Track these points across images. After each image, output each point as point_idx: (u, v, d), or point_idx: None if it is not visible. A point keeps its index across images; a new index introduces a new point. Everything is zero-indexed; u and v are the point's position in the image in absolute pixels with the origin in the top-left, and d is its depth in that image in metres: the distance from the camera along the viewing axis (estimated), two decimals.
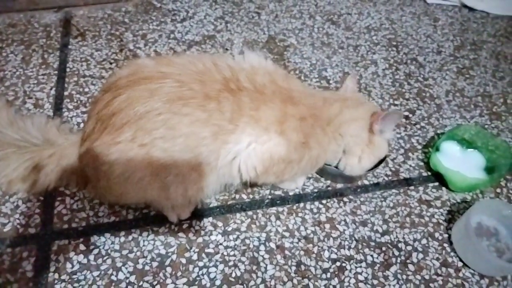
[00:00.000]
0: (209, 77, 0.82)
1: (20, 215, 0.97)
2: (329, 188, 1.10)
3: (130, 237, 0.96)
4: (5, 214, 0.97)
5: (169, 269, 0.92)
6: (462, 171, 1.07)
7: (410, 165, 1.17)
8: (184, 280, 0.91)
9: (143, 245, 0.95)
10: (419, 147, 1.22)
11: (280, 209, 1.04)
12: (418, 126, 1.27)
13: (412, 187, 1.12)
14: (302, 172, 0.97)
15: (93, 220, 0.98)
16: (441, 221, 1.05)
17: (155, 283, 0.90)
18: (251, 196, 1.06)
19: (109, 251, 0.94)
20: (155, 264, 0.92)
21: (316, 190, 1.09)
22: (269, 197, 1.06)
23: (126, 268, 0.91)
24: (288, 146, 0.86)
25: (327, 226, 1.02)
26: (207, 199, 1.02)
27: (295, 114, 0.86)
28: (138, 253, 0.94)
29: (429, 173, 1.15)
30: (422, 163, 1.18)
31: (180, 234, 0.98)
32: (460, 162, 1.12)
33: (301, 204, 1.06)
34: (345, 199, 1.08)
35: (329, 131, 0.92)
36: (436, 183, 1.13)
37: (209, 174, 0.86)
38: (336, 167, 1.03)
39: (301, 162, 0.91)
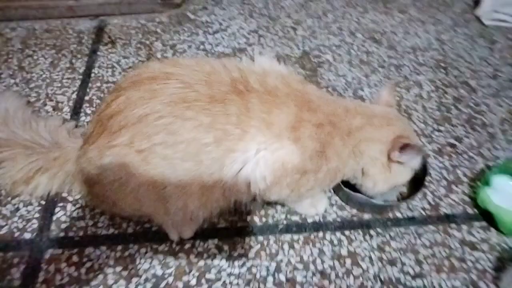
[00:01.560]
0: (215, 78, 0.75)
1: (19, 218, 0.92)
2: (355, 218, 0.96)
3: (126, 253, 0.88)
4: (4, 216, 0.92)
5: None
6: None
7: (453, 200, 1.01)
8: None
9: (139, 263, 0.86)
10: (466, 179, 1.05)
11: (296, 237, 0.92)
12: (465, 155, 1.11)
13: (453, 225, 0.96)
14: (320, 186, 0.85)
15: (91, 230, 0.91)
16: (487, 268, 0.87)
17: None
18: (263, 220, 0.95)
19: (102, 265, 0.86)
20: (148, 285, 0.83)
21: (339, 219, 0.96)
22: (284, 222, 0.95)
23: (117, 286, 0.83)
24: (302, 154, 0.76)
25: (348, 261, 0.88)
26: (213, 217, 0.92)
27: (311, 120, 0.76)
28: (133, 271, 0.85)
29: (476, 211, 0.98)
30: (467, 199, 1.01)
31: (181, 254, 0.88)
32: None
33: (320, 234, 0.93)
34: (372, 232, 0.94)
35: (349, 144, 0.80)
36: (484, 223, 0.96)
37: (212, 187, 0.77)
38: (359, 191, 0.90)
39: (318, 174, 0.80)
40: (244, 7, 1.55)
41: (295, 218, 0.96)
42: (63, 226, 0.92)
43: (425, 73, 1.32)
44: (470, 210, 0.99)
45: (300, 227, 0.94)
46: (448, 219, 0.97)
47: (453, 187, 1.04)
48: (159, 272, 0.85)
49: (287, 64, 1.32)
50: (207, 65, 0.77)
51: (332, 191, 1.00)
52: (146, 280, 0.84)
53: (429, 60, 1.37)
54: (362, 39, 1.43)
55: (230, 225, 0.94)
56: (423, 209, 0.99)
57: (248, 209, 0.96)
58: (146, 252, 0.88)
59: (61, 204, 0.95)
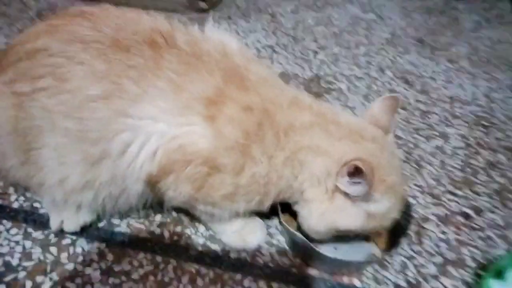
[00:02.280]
0: (133, 26, 0.61)
1: None
2: (294, 270, 0.70)
3: None
4: None
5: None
6: None
7: (444, 285, 0.70)
8: None
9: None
10: (472, 264, 0.74)
11: (204, 270, 0.68)
12: (481, 234, 0.79)
13: None
14: (244, 200, 0.62)
15: None
16: None
17: None
18: (174, 238, 0.73)
19: None
20: None
21: (272, 265, 0.70)
22: (200, 248, 0.71)
23: None
24: (216, 141, 0.56)
25: None
26: (111, 214, 0.72)
27: (237, 99, 0.57)
28: None
29: None
30: None
31: (53, 249, 0.69)
32: None
33: (238, 276, 0.68)
34: None
35: (287, 147, 0.58)
36: None
37: (98, 161, 0.59)
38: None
39: (238, 178, 0.58)
40: (270, 24, 1.42)
41: (215, 247, 0.72)
42: None
43: (458, 127, 1.05)
44: None
45: (217, 261, 0.70)
46: None
47: (450, 268, 0.73)
48: (14, 262, 0.66)
49: (293, 84, 1.13)
50: (136, 14, 0.63)
51: (278, 228, 0.76)
52: None
53: (468, 114, 1.09)
54: (391, 77, 1.20)
55: (131, 231, 0.73)
56: (396, 285, 0.69)
57: (162, 221, 0.75)
58: (16, 233, 0.70)
59: None
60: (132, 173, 0.60)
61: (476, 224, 0.81)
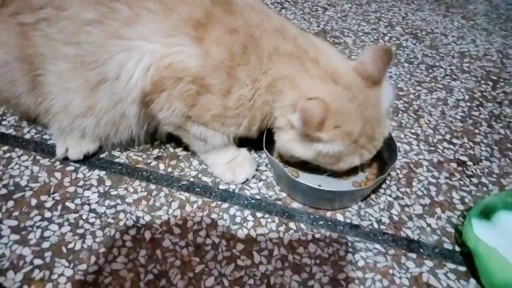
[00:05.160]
0: None
1: None
2: (278, 202, 0.73)
3: (7, 155, 0.77)
4: None
5: (10, 204, 0.69)
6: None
7: (429, 224, 0.71)
8: (13, 223, 0.66)
9: (11, 167, 0.75)
10: (460, 207, 0.74)
11: (194, 198, 0.72)
12: (474, 180, 0.79)
13: (412, 255, 0.66)
14: (234, 123, 0.66)
15: None
16: None
17: None
18: (169, 170, 0.77)
19: None
20: (3, 191, 0.70)
21: (258, 197, 0.73)
22: (191, 179, 0.75)
23: None
24: (203, 60, 0.59)
25: (240, 246, 0.65)
26: (112, 144, 0.76)
27: (224, 21, 0.60)
28: None
29: (458, 249, 0.68)
30: (452, 230, 0.71)
31: (57, 174, 0.75)
32: None
33: (225, 205, 0.72)
34: (292, 224, 0.69)
35: (269, 71, 0.62)
36: (463, 268, 0.65)
37: (96, 86, 0.63)
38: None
39: (226, 100, 0.62)
40: None
41: (206, 179, 0.76)
42: None
43: (464, 81, 1.03)
44: (448, 245, 0.68)
45: (206, 191, 0.74)
46: (408, 245, 0.68)
47: (437, 210, 0.74)
48: (23, 183, 0.72)
49: None
50: None
51: (268, 166, 0.79)
52: (5, 186, 0.71)
53: (476, 69, 1.07)
54: (400, 33, 1.18)
55: (129, 162, 0.77)
56: (379, 221, 0.71)
57: (158, 155, 0.79)
58: (26, 159, 0.77)
59: None
60: (128, 93, 0.63)
61: (471, 171, 0.81)
